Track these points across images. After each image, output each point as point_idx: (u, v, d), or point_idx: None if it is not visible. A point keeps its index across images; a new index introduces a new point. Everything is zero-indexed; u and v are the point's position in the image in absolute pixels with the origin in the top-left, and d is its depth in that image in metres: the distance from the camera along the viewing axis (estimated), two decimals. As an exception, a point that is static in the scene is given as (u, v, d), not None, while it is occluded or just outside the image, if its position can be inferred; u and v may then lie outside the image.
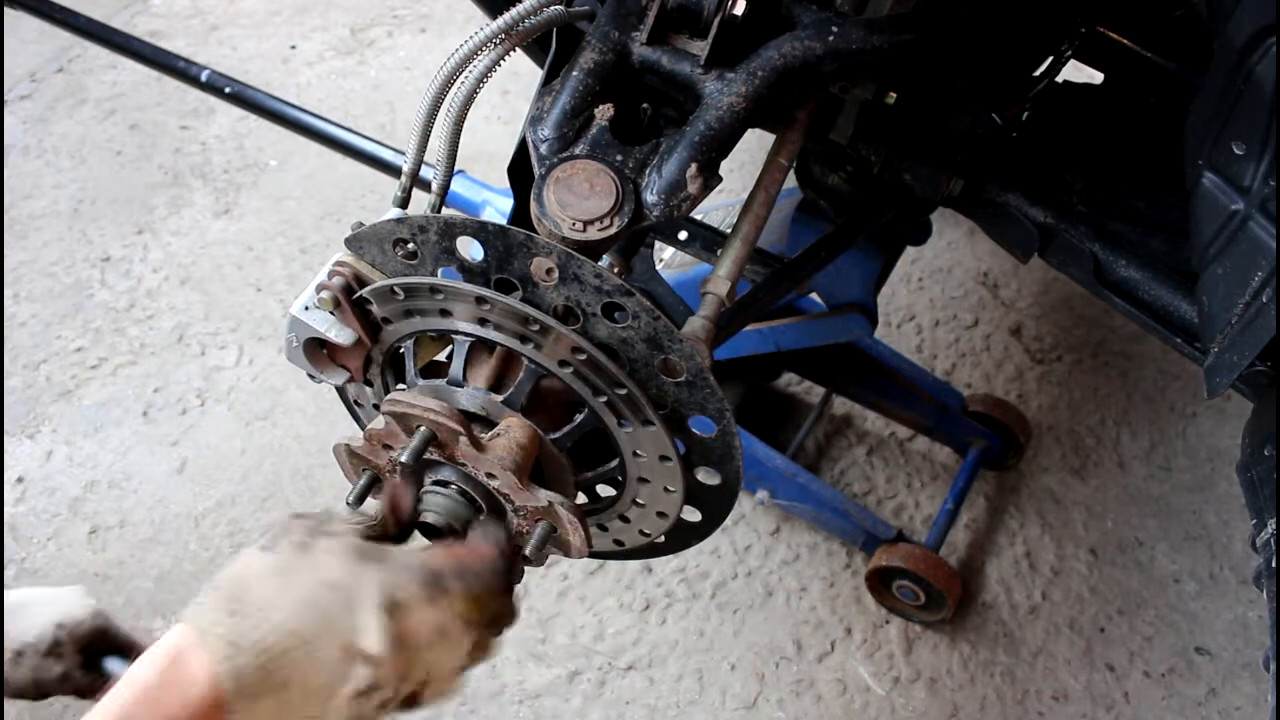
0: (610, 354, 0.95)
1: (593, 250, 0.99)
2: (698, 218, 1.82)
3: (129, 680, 0.77)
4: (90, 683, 0.95)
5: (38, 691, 0.94)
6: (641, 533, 1.13)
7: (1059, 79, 1.54)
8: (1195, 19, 1.10)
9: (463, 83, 1.06)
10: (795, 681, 2.03)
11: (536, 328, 0.94)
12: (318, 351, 1.09)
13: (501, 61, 1.08)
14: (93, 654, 0.96)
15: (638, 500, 1.09)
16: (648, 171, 1.02)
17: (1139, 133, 1.57)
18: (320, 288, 1.01)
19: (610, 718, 1.98)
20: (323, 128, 2.04)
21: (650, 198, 1.01)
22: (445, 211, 1.08)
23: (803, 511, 2.13)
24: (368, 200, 2.86)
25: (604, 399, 0.97)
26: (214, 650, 0.77)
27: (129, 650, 0.97)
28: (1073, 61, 1.52)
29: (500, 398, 0.99)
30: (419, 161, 1.11)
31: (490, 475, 0.95)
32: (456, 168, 1.26)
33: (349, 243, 1.02)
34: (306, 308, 1.05)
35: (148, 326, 2.57)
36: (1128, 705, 2.03)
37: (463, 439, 0.93)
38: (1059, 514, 2.29)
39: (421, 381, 1.03)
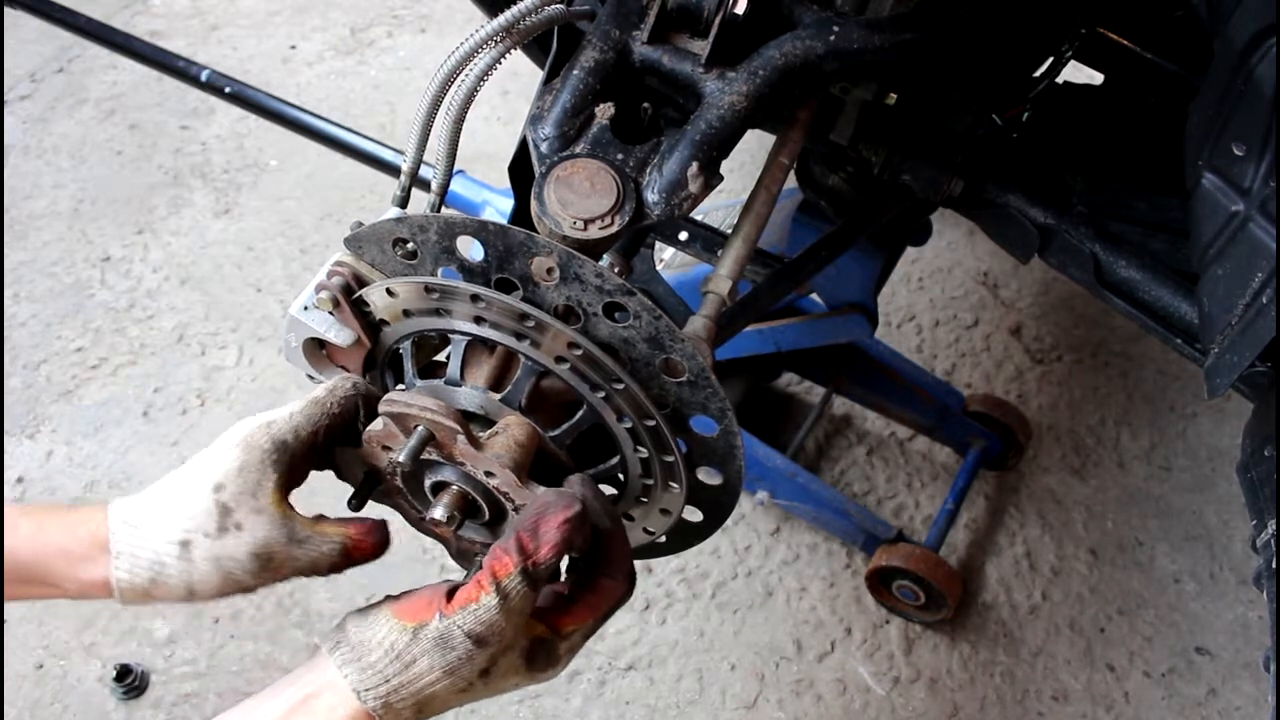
0: (611, 353, 0.94)
1: (593, 249, 0.99)
2: (698, 218, 1.82)
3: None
4: None
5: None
6: (646, 530, 1.13)
7: (1059, 79, 1.54)
8: (1195, 19, 1.10)
9: (462, 82, 1.06)
10: (795, 681, 2.03)
11: (532, 325, 0.94)
12: (317, 352, 1.09)
13: (501, 61, 1.07)
14: None
15: (640, 499, 1.09)
16: (648, 170, 1.02)
17: (1139, 133, 1.57)
18: (319, 288, 1.01)
19: (610, 718, 1.98)
20: (323, 128, 2.04)
21: (651, 196, 1.01)
22: (445, 211, 1.08)
23: (803, 511, 2.13)
24: (368, 200, 2.86)
25: (602, 394, 0.97)
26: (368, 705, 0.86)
27: None
28: (1073, 62, 1.52)
29: (499, 396, 0.99)
30: (419, 161, 1.10)
31: (489, 474, 0.95)
32: (456, 167, 1.26)
33: (348, 242, 1.02)
34: (306, 308, 1.05)
35: (148, 326, 2.57)
36: (1128, 705, 2.03)
37: (461, 438, 0.93)
38: (1059, 514, 2.29)
39: (420, 382, 1.03)
